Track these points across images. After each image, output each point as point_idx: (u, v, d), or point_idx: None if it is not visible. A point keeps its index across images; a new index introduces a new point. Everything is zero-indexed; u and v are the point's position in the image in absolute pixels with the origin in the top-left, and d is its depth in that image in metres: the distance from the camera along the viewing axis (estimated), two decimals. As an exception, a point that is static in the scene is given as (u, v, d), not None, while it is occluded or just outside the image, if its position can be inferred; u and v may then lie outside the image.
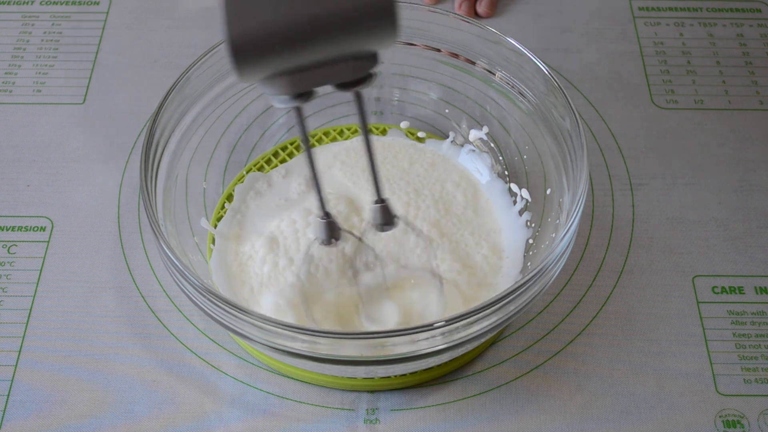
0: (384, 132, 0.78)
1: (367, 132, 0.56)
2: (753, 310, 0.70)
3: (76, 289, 0.70)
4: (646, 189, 0.77)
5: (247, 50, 0.48)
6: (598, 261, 0.72)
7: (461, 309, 0.61)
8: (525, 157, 0.73)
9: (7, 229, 0.74)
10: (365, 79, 0.52)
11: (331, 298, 0.65)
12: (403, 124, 0.78)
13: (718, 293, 0.71)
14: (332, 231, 0.59)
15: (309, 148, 0.55)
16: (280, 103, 0.52)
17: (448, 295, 0.65)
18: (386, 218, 0.59)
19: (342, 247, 0.66)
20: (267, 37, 0.47)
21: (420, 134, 0.77)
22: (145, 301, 0.70)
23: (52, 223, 0.74)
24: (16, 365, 0.67)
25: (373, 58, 0.51)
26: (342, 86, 0.52)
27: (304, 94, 0.52)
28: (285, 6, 0.47)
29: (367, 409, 0.65)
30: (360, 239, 0.64)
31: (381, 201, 0.58)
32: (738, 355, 0.67)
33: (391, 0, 0.48)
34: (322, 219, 0.58)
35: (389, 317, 0.63)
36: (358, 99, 0.54)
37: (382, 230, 0.59)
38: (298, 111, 0.54)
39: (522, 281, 0.58)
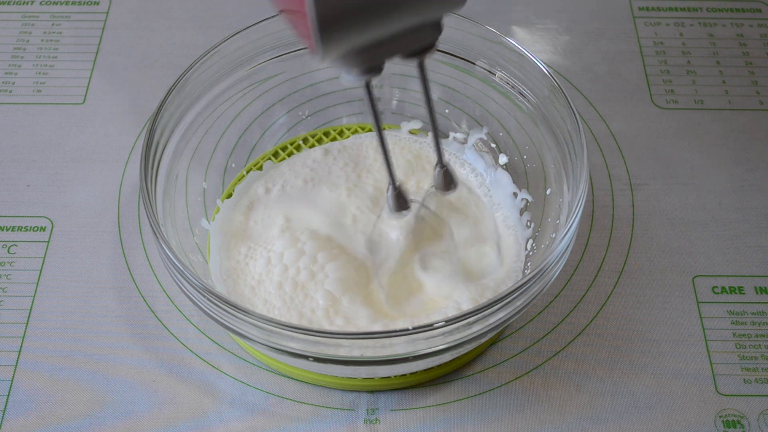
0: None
1: (430, 99, 0.58)
2: (753, 310, 0.70)
3: (76, 289, 0.70)
4: (646, 189, 0.77)
5: (333, 26, 0.49)
6: (598, 261, 0.72)
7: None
8: (525, 157, 0.73)
9: (7, 229, 0.74)
10: (431, 46, 0.54)
11: (393, 263, 0.67)
12: (403, 125, 0.78)
13: (718, 293, 0.71)
14: (402, 201, 0.61)
15: (379, 122, 0.57)
16: (352, 80, 0.54)
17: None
18: (448, 181, 0.61)
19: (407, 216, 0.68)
20: (351, 12, 0.49)
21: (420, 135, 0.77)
22: (145, 301, 0.70)
23: (52, 223, 0.74)
24: (16, 365, 0.67)
25: (437, 27, 0.53)
26: (409, 55, 0.54)
27: (374, 69, 0.53)
28: None
29: (367, 409, 0.65)
30: (423, 205, 0.67)
31: (443, 166, 0.61)
32: (738, 355, 0.67)
33: None
34: (393, 190, 0.61)
35: (444, 269, 0.67)
36: (421, 68, 0.56)
37: (445, 194, 0.62)
38: (368, 86, 0.56)
39: (522, 281, 0.58)
